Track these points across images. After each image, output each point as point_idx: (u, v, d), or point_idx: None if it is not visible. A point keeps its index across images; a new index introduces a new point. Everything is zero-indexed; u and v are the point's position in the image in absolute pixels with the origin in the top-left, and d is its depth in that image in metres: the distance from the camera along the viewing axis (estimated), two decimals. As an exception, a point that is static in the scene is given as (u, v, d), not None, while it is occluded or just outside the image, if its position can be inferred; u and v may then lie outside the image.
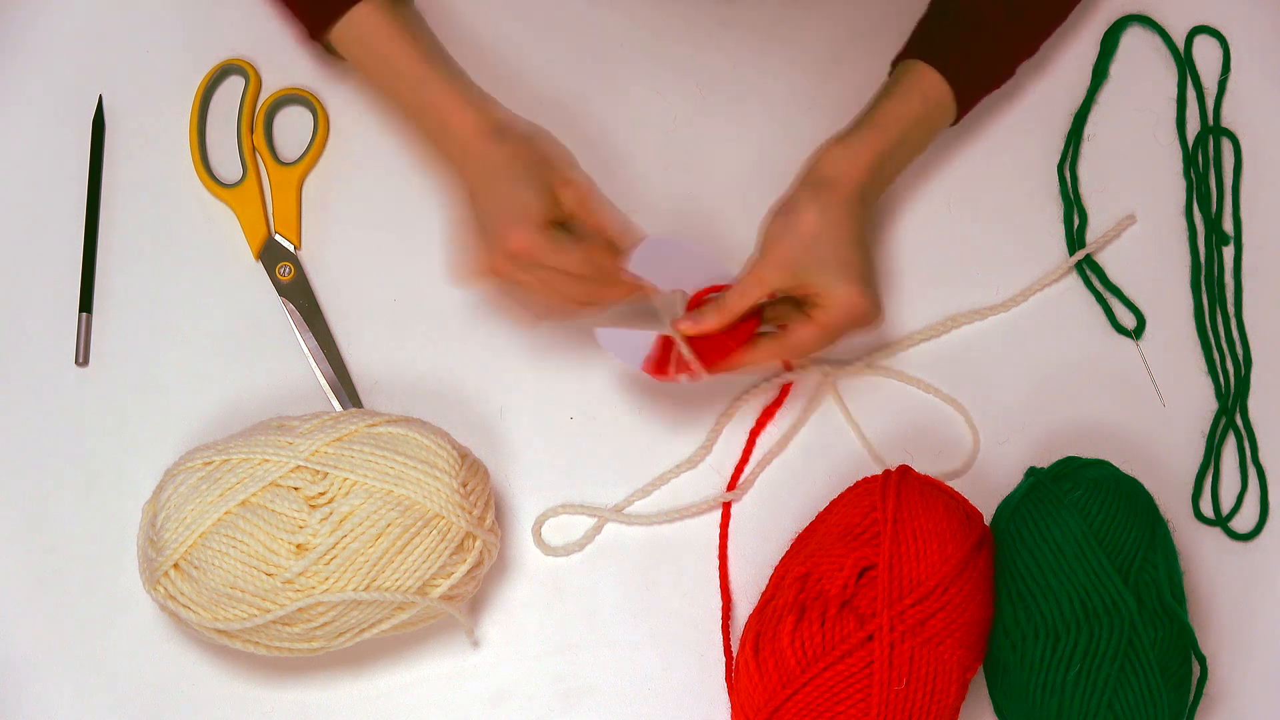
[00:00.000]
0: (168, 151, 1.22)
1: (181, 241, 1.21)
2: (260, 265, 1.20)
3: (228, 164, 1.22)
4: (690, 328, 1.10)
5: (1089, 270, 1.22)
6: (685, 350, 1.10)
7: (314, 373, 1.18)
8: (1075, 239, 1.22)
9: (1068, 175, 1.23)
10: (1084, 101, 1.24)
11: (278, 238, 1.20)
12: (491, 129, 1.11)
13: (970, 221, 1.23)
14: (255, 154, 1.22)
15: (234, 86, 1.23)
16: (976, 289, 1.21)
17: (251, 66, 1.22)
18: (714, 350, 1.11)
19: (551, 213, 1.09)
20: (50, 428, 1.17)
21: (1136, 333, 1.21)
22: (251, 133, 1.22)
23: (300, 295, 1.19)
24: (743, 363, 1.11)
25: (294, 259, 1.20)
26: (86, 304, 1.19)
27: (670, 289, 1.12)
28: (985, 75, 1.18)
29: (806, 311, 1.10)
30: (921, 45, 1.15)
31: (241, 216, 1.21)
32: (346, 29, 1.14)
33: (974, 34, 1.15)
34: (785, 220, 1.10)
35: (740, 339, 1.11)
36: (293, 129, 1.23)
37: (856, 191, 1.11)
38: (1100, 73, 1.25)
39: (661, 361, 1.11)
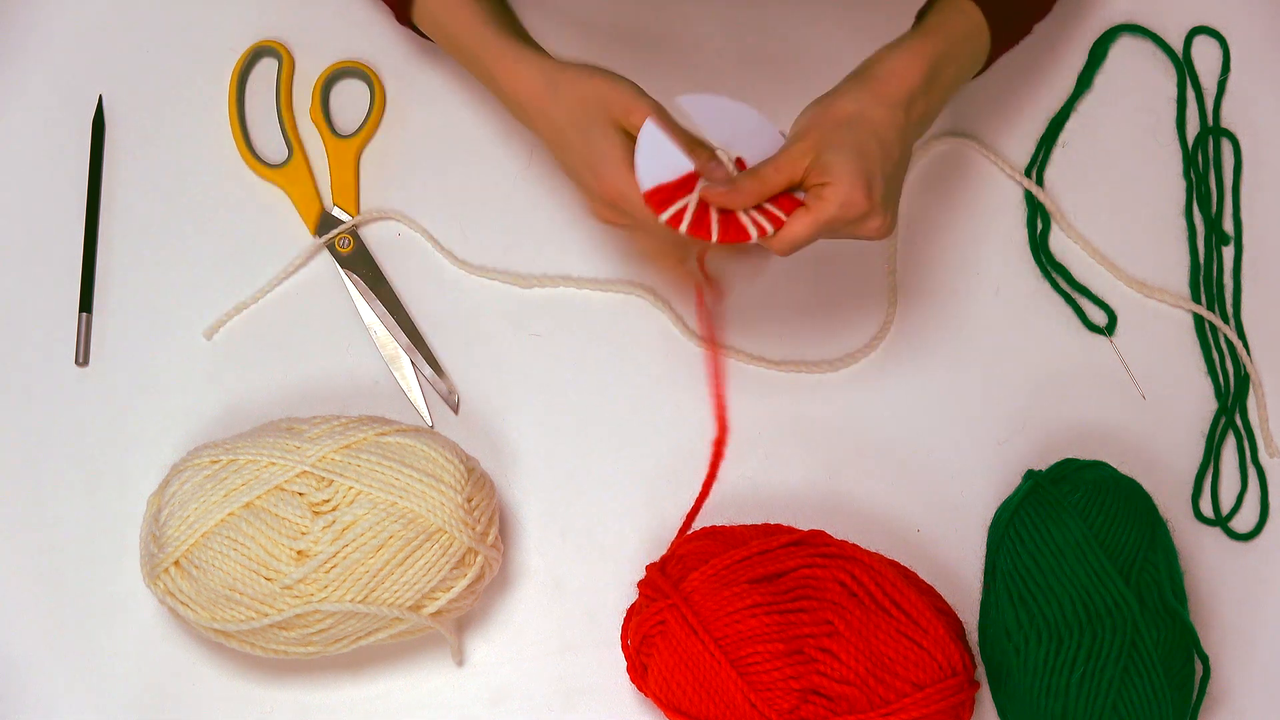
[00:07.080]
0: (167, 151, 1.22)
1: (182, 240, 1.21)
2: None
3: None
4: (718, 196, 1.04)
5: (1054, 272, 1.22)
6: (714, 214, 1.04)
7: (375, 345, 1.18)
8: (1039, 241, 1.22)
9: (1033, 178, 1.23)
10: (1062, 108, 1.24)
11: (335, 210, 1.20)
12: (545, 85, 1.08)
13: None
14: (298, 132, 1.21)
15: (266, 69, 1.23)
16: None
17: (284, 47, 1.21)
18: (732, 227, 1.05)
19: (630, 148, 1.05)
20: (50, 428, 1.17)
21: (1109, 329, 1.21)
22: (292, 111, 1.21)
23: (362, 265, 1.19)
24: (765, 243, 1.05)
25: (352, 231, 1.20)
26: (86, 304, 1.19)
27: (720, 143, 1.06)
28: (1018, 17, 1.14)
29: (806, 202, 1.05)
30: None
31: (293, 194, 1.20)
32: (421, 8, 1.13)
33: None
34: (822, 105, 1.06)
35: (774, 221, 1.05)
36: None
37: (903, 94, 1.06)
38: (1084, 82, 1.25)
39: (676, 195, 1.04)
